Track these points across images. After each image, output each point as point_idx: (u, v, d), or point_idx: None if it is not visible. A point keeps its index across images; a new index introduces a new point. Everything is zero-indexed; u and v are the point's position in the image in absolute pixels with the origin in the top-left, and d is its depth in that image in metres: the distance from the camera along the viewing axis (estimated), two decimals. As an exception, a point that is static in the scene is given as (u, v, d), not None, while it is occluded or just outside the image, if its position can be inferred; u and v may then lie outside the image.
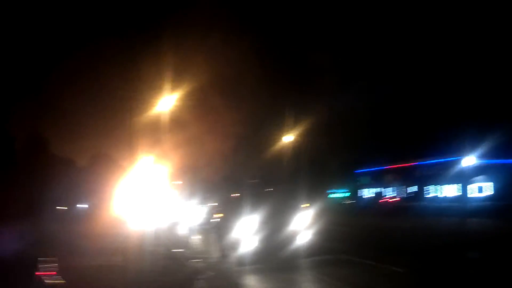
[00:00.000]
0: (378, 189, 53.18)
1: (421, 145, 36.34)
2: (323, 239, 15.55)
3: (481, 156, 36.83)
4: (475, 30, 33.80)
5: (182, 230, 21.44)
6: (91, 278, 10.40)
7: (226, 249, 14.48)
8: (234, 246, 13.80)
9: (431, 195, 45.35)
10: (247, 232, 13.67)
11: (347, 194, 45.94)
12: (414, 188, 47.79)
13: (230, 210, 16.34)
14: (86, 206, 34.98)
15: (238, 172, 40.59)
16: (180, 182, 35.76)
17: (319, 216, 16.55)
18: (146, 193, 31.53)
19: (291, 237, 13.85)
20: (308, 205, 15.99)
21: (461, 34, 34.05)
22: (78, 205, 34.52)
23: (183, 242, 18.93)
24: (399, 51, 36.83)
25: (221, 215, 17.94)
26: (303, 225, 14.19)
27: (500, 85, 32.76)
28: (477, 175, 39.02)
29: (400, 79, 36.08)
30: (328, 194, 36.44)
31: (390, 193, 50.51)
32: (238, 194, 18.55)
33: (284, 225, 13.98)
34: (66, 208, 34.61)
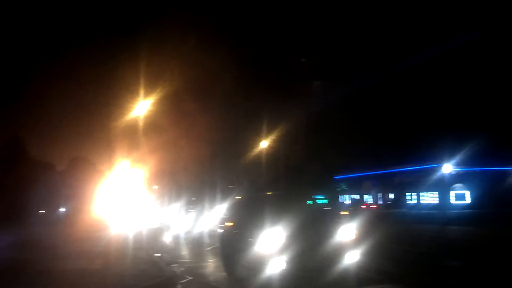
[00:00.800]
0: (358, 196, 53.54)
1: (401, 152, 36.80)
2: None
3: (459, 164, 37.39)
4: (454, 42, 34.37)
5: (161, 235, 21.39)
6: (71, 282, 10.36)
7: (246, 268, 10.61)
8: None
9: (411, 202, 45.78)
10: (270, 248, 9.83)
11: (325, 201, 45.96)
12: (394, 195, 48.20)
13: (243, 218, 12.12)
14: (65, 209, 34.71)
15: (216, 177, 40.68)
16: (156, 187, 35.75)
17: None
18: (125, 197, 31.48)
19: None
20: (347, 212, 13.53)
21: (440, 44, 34.62)
22: (60, 209, 34.28)
23: (162, 247, 18.90)
24: (379, 58, 37.32)
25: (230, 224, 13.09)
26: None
27: (478, 94, 33.38)
28: (456, 183, 39.63)
29: (380, 87, 36.53)
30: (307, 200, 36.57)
31: (370, 199, 50.91)
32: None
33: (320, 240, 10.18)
34: (46, 211, 34.34)
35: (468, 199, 40.96)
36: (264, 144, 36.14)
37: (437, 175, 37.06)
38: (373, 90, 36.71)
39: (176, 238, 20.61)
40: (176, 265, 14.70)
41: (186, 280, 12.22)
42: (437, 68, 34.51)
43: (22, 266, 12.42)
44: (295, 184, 35.63)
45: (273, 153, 37.07)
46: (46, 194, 33.73)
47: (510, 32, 31.10)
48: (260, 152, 36.40)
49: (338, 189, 39.94)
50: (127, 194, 28.93)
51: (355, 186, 50.50)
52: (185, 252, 17.53)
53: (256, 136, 36.32)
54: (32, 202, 32.18)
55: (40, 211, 34.46)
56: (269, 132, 35.98)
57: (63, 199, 35.07)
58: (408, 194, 46.37)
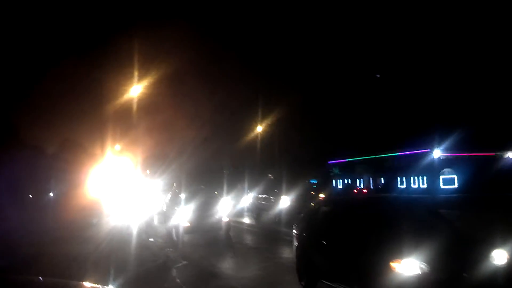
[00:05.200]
0: (350, 180, 53.83)
1: (392, 138, 36.95)
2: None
3: (448, 150, 37.73)
4: (443, 25, 34.41)
5: (154, 219, 21.31)
6: (65, 266, 10.28)
7: None
8: None
9: (401, 186, 46.10)
10: None
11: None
12: (384, 179, 48.51)
13: None
14: (55, 193, 34.39)
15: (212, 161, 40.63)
16: (148, 171, 35.59)
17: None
18: (117, 182, 31.28)
19: None
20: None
21: (428, 27, 34.63)
22: (49, 193, 33.96)
23: (155, 231, 18.88)
24: (370, 42, 37.24)
25: None
26: None
27: (467, 80, 33.49)
28: (445, 168, 39.92)
29: (372, 72, 36.50)
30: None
31: (362, 184, 51.20)
32: None
33: None
34: (35, 196, 34.00)
35: (456, 184, 41.41)
36: (259, 128, 36.10)
37: (427, 160, 37.37)
38: (365, 77, 36.69)
39: (168, 223, 20.47)
40: (170, 249, 14.72)
41: (181, 264, 12.24)
42: (427, 54, 34.55)
43: (14, 251, 12.30)
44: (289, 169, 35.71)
45: (268, 137, 37.07)
46: (35, 178, 33.41)
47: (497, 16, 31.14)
48: (255, 136, 36.38)
49: (331, 174, 40.04)
50: (119, 178, 28.76)
51: (347, 171, 50.75)
52: (177, 236, 17.48)
53: (251, 121, 36.27)
54: (21, 186, 31.87)
55: (29, 196, 34.13)
56: (263, 117, 35.96)
57: (53, 183, 34.72)
58: (398, 179, 46.73)
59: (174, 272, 11.03)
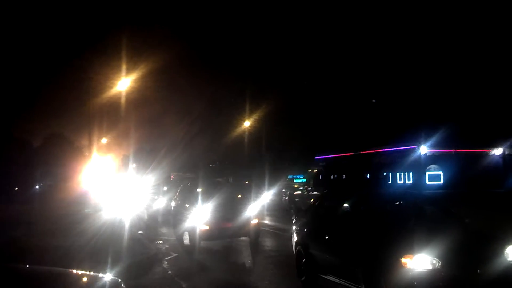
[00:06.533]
0: (337, 176, 53.92)
1: (379, 134, 37.17)
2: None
3: (434, 146, 38.09)
4: (428, 21, 34.65)
5: (142, 213, 21.25)
6: (56, 259, 10.22)
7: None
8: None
9: (388, 182, 46.32)
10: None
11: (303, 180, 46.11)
12: (370, 175, 48.75)
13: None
14: (42, 186, 34.17)
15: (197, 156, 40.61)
16: (134, 165, 35.50)
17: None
18: (104, 175, 31.18)
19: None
20: None
21: (414, 22, 34.84)
22: (36, 186, 33.73)
23: (143, 224, 18.84)
24: (357, 37, 37.41)
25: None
26: None
27: (453, 77, 33.79)
28: (432, 164, 40.26)
29: (359, 69, 36.70)
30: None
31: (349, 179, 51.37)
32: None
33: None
34: (21, 188, 33.76)
35: (442, 180, 41.73)
36: (246, 123, 36.16)
37: (413, 156, 37.70)
38: (352, 72, 36.86)
39: (157, 216, 20.42)
40: (160, 242, 14.75)
41: (171, 256, 12.29)
42: (412, 49, 34.79)
43: (2, 243, 12.19)
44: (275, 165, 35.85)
45: (255, 133, 37.13)
46: (21, 171, 33.16)
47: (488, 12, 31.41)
48: (243, 131, 36.42)
49: (319, 169, 40.14)
50: (107, 172, 28.72)
51: (334, 167, 50.95)
52: (166, 229, 17.48)
53: (238, 116, 36.30)
54: (7, 179, 31.64)
55: (15, 188, 33.88)
56: (251, 112, 36.01)
57: (39, 176, 34.49)
58: (384, 174, 46.97)
59: (167, 264, 11.09)
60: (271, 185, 27.24)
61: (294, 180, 32.29)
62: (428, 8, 34.19)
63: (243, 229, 13.46)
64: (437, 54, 33.64)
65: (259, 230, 14.26)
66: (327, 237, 8.60)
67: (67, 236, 13.95)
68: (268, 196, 26.68)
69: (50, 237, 13.77)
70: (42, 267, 4.98)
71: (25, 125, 33.21)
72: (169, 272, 10.47)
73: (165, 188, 21.84)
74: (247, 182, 27.40)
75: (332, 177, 40.22)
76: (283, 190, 29.10)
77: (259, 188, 25.39)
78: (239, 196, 15.66)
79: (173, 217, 16.13)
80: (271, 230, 17.61)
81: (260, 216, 15.03)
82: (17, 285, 3.98)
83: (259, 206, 16.17)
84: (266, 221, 19.88)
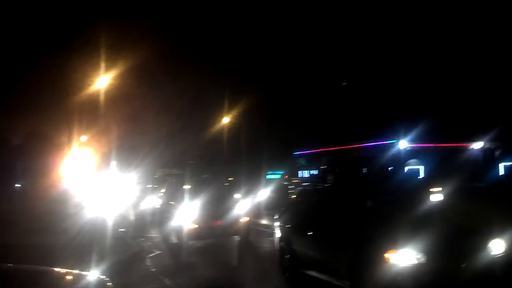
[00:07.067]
0: (316, 171, 54.27)
1: (359, 129, 37.46)
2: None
3: (414, 141, 38.48)
4: (408, 17, 34.97)
5: (124, 210, 21.12)
6: (39, 256, 10.11)
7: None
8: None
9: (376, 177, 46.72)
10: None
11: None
12: (351, 170, 49.12)
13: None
14: (23, 184, 33.69)
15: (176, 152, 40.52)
16: (114, 162, 35.28)
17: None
18: (84, 173, 30.91)
19: None
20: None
21: (393, 18, 35.13)
22: (15, 184, 33.22)
23: (125, 222, 18.75)
24: (335, 32, 37.54)
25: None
26: None
27: (433, 71, 34.17)
28: (411, 159, 40.67)
29: (340, 64, 36.90)
30: (267, 176, 37.04)
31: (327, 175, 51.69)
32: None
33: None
34: (2, 186, 33.25)
35: (422, 175, 42.26)
36: (226, 120, 36.20)
37: (393, 151, 38.04)
38: (333, 68, 37.03)
39: (140, 214, 20.27)
40: (142, 239, 14.72)
41: (154, 254, 12.29)
42: (393, 41, 35.08)
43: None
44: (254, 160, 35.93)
45: (234, 128, 37.15)
46: (1, 169, 32.67)
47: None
48: (222, 127, 36.44)
49: (297, 165, 40.33)
50: (86, 169, 28.49)
51: (314, 162, 51.24)
52: (149, 227, 17.38)
53: (218, 112, 36.31)
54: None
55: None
56: (230, 108, 36.04)
57: (19, 174, 34.00)
58: (364, 170, 47.38)
59: (150, 261, 11.09)
60: (256, 181, 26.86)
61: (273, 176, 32.34)
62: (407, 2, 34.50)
63: (232, 227, 13.03)
64: (417, 47, 33.96)
65: (250, 229, 13.81)
66: (310, 233, 8.62)
67: (48, 234, 13.78)
68: (265, 193, 25.74)
69: (33, 236, 13.60)
70: (26, 265, 4.94)
71: (2, 123, 32.66)
72: (153, 269, 10.48)
73: (151, 186, 21.44)
74: (231, 179, 27.08)
75: (312, 172, 40.50)
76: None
77: (250, 185, 24.86)
78: (228, 193, 15.25)
79: (159, 215, 15.69)
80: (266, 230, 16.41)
81: (251, 214, 14.57)
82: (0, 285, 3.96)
83: (250, 203, 15.76)
84: (264, 222, 18.59)
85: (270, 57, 39.83)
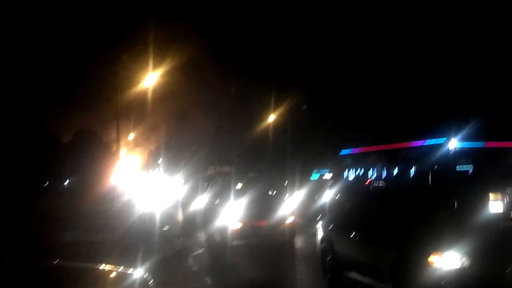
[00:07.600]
0: (363, 171, 53.35)
1: (407, 128, 36.68)
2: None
3: (464, 139, 37.26)
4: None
5: (170, 208, 21.26)
6: (83, 253, 10.33)
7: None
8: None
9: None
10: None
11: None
12: (398, 170, 48.06)
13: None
14: (71, 181, 34.68)
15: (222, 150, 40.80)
16: (162, 161, 35.77)
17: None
18: (133, 171, 31.52)
19: None
20: None
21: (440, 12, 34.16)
22: (65, 182, 34.24)
23: (171, 220, 18.86)
24: (382, 31, 36.82)
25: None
26: None
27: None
28: (462, 158, 39.43)
29: (386, 63, 36.19)
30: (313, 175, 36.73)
31: (374, 175, 50.73)
32: None
33: None
34: (51, 184, 34.35)
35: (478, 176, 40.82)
36: (271, 118, 36.06)
37: (442, 150, 37.00)
38: (379, 66, 36.35)
39: (189, 214, 20.28)
40: (186, 238, 14.80)
41: (197, 253, 12.34)
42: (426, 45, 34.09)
43: (34, 237, 12.32)
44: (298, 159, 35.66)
45: (280, 126, 37.00)
46: (51, 166, 33.74)
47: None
48: (267, 125, 36.32)
49: (343, 164, 39.91)
50: (134, 167, 29.04)
51: (360, 161, 50.45)
52: (195, 226, 17.38)
53: (264, 110, 36.23)
54: (38, 174, 32.24)
55: (46, 184, 34.50)
56: (276, 106, 35.88)
57: (68, 171, 35.04)
58: (412, 170, 46.25)
59: (193, 260, 11.14)
60: (301, 181, 26.24)
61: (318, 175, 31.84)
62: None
63: (278, 228, 12.63)
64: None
65: (295, 230, 13.36)
66: (352, 234, 8.38)
67: (94, 232, 13.93)
68: (308, 193, 25.08)
69: (81, 233, 13.81)
70: (72, 262, 5.02)
71: (54, 120, 33.65)
72: (194, 268, 10.52)
73: (201, 185, 21.07)
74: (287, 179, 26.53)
75: (357, 172, 39.91)
76: None
77: (295, 184, 24.05)
78: (274, 192, 14.81)
79: (204, 214, 15.45)
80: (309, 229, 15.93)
81: (296, 214, 14.13)
82: (47, 281, 4.02)
83: (295, 203, 15.32)
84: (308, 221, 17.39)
85: (317, 54, 39.35)
